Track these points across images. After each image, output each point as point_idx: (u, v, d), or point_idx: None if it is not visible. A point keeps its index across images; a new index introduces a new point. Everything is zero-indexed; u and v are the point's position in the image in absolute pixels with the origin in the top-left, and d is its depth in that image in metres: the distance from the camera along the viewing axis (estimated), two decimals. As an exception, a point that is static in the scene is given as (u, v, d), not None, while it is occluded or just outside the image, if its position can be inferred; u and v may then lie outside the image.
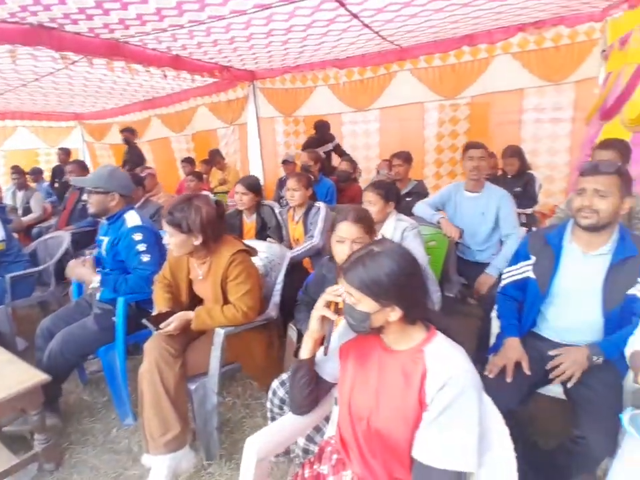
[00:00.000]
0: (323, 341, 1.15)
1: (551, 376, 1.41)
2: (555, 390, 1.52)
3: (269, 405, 1.57)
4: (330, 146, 4.73)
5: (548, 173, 4.14)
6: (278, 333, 2.04)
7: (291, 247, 2.55)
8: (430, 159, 4.87)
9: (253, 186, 2.70)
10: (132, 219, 2.07)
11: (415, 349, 1.00)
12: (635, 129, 2.73)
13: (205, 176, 5.52)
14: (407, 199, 2.96)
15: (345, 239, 1.52)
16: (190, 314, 1.73)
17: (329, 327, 1.10)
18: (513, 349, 1.49)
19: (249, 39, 3.71)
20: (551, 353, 1.40)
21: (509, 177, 3.49)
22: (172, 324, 1.66)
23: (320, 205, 2.62)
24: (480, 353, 1.66)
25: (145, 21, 3.01)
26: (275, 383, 1.57)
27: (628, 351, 1.32)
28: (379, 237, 2.09)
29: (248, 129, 5.79)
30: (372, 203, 2.01)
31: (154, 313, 1.78)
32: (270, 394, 1.57)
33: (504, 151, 3.53)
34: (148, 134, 7.14)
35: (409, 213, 2.47)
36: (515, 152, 3.44)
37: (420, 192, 3.08)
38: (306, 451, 1.40)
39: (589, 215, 1.38)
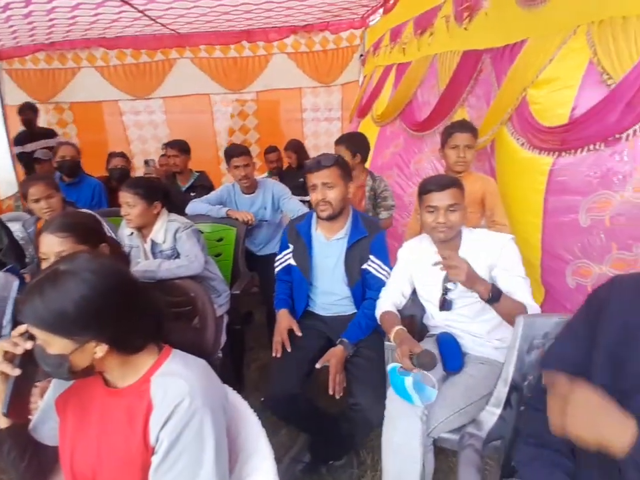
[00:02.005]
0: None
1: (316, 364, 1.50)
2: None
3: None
4: (52, 142, 3.74)
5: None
6: None
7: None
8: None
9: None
10: None
11: (141, 380, 0.82)
12: (381, 123, 3.25)
13: None
14: (192, 194, 2.72)
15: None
16: None
17: (9, 385, 0.79)
18: (284, 319, 1.62)
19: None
20: (318, 366, 1.50)
21: (293, 167, 3.72)
22: None
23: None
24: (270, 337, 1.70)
25: None
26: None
27: (377, 314, 1.51)
28: (148, 243, 1.84)
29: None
30: (130, 204, 1.71)
31: None
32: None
33: (285, 145, 3.74)
34: None
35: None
36: (292, 146, 3.69)
37: (204, 184, 2.85)
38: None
39: (325, 207, 1.54)
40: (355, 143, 2.25)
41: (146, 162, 3.11)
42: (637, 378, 0.76)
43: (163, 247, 1.80)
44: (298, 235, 1.67)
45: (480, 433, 1.04)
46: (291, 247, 1.70)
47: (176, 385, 0.79)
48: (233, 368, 2.00)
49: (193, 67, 4.49)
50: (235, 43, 4.36)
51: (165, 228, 1.80)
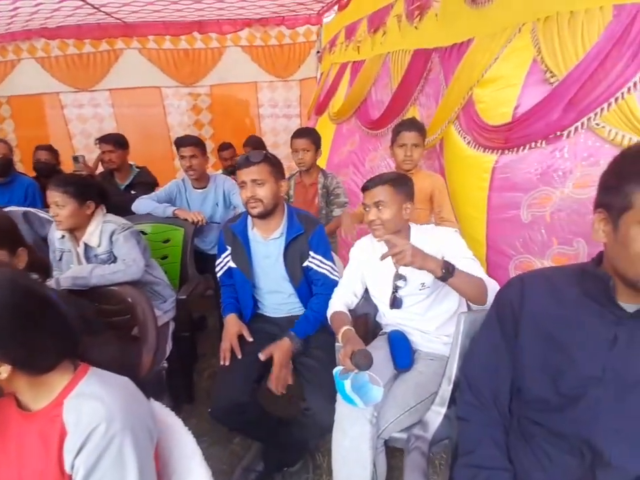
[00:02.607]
0: None
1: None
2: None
3: None
4: None
5: (287, 164, 4.55)
6: None
7: None
8: (179, 150, 4.58)
9: None
10: None
11: (54, 403, 0.74)
12: (337, 121, 3.24)
13: None
14: (132, 192, 2.54)
15: None
16: None
17: None
18: (232, 324, 1.55)
19: None
20: (261, 356, 1.45)
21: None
22: None
23: None
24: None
25: None
26: None
27: (328, 314, 1.48)
28: (81, 246, 1.69)
29: None
30: (59, 205, 1.56)
31: None
32: None
33: (244, 142, 3.61)
34: None
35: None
36: (251, 142, 3.55)
37: (146, 181, 2.67)
38: None
39: (255, 204, 1.48)
40: (317, 137, 2.22)
41: (75, 158, 2.86)
42: (577, 384, 0.78)
43: (98, 250, 1.66)
44: (234, 235, 1.60)
45: (426, 434, 1.02)
46: (229, 248, 1.63)
47: (91, 408, 0.71)
48: (182, 377, 1.90)
49: (142, 58, 4.29)
50: (186, 34, 4.20)
51: (100, 230, 1.66)
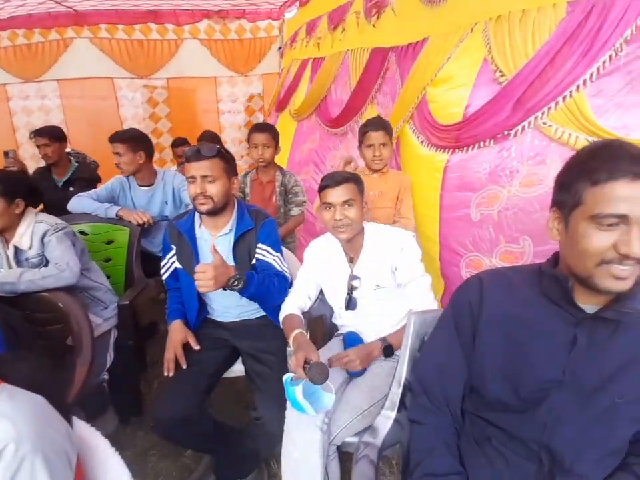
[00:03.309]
0: None
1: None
2: (238, 369, 1.52)
3: None
4: None
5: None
6: None
7: None
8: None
9: None
10: None
11: None
12: (298, 118, 3.18)
13: None
14: (70, 189, 2.37)
15: None
16: None
17: None
18: (177, 332, 1.46)
19: None
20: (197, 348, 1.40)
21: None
22: None
23: None
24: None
25: None
26: None
27: (281, 317, 1.43)
28: (10, 249, 1.54)
29: None
30: None
31: None
32: None
33: (199, 136, 3.48)
34: None
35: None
36: (206, 138, 3.42)
37: (84, 176, 2.49)
38: None
39: (204, 201, 1.39)
40: (277, 134, 2.15)
41: (5, 153, 2.65)
42: (537, 387, 0.76)
43: (29, 253, 1.51)
44: (179, 234, 1.50)
45: (375, 441, 0.99)
46: (174, 248, 1.53)
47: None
48: (128, 389, 1.77)
49: (93, 48, 4.09)
50: (140, 24, 4.01)
51: (31, 231, 1.52)
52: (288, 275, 1.53)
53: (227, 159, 1.41)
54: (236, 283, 1.31)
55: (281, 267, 1.51)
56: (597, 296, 0.72)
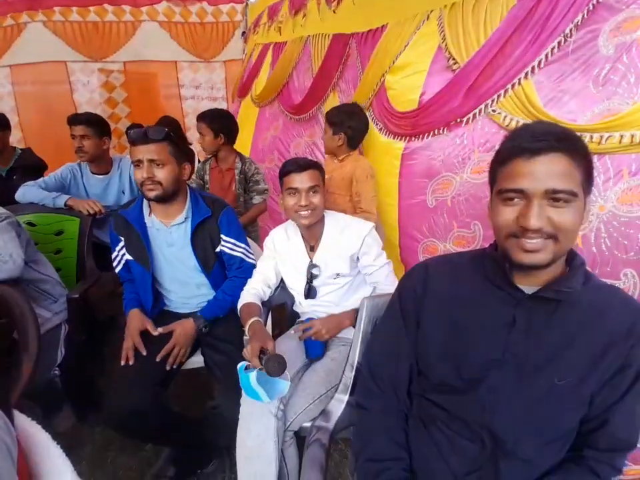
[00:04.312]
0: None
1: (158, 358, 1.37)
2: (197, 360, 1.49)
3: None
4: None
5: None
6: None
7: None
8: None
9: None
10: None
11: None
12: (260, 104, 3.11)
13: None
14: (14, 177, 2.23)
15: None
16: None
17: None
18: (134, 320, 1.43)
19: None
20: (160, 330, 1.39)
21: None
22: None
23: None
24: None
25: None
26: None
27: (239, 305, 1.40)
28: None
29: None
30: None
31: None
32: None
33: (157, 120, 3.34)
34: None
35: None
36: (164, 123, 3.29)
37: (31, 164, 2.34)
38: None
39: (153, 186, 1.34)
40: (220, 121, 2.07)
41: None
42: (478, 368, 0.77)
43: (-29, 245, 1.42)
44: (127, 223, 1.44)
45: (328, 425, 1.01)
46: (122, 239, 1.48)
47: None
48: (83, 385, 1.71)
49: (47, 32, 3.86)
50: (95, 6, 3.80)
51: None
52: (255, 262, 1.53)
53: (175, 143, 1.37)
54: (202, 328, 1.43)
55: (248, 257, 1.52)
56: (535, 277, 0.74)
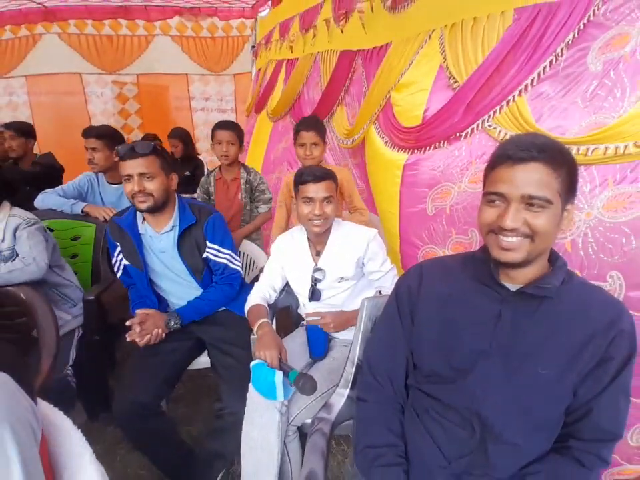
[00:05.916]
0: None
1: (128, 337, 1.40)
2: (204, 361, 1.55)
3: None
4: None
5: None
6: None
7: None
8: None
9: None
10: None
11: None
12: (274, 118, 3.23)
13: None
14: (28, 189, 2.33)
15: None
16: None
17: None
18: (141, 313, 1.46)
19: None
20: (128, 323, 1.41)
21: (177, 159, 3.46)
22: None
23: None
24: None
25: None
26: None
27: (246, 308, 1.46)
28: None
29: None
30: None
31: None
32: None
33: (169, 133, 3.46)
34: None
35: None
36: (177, 134, 3.42)
37: (47, 164, 2.48)
38: None
39: (144, 198, 1.41)
40: (241, 132, 2.17)
41: None
42: (467, 358, 0.84)
43: (2, 246, 1.51)
44: (121, 230, 1.51)
45: (329, 416, 1.06)
46: (118, 245, 1.54)
47: None
48: (95, 385, 1.77)
49: (62, 44, 4.03)
50: (110, 19, 3.95)
51: (4, 224, 1.51)
52: (240, 269, 1.60)
53: (162, 155, 1.43)
54: (173, 322, 1.45)
55: (233, 263, 1.56)
56: (519, 275, 0.81)
